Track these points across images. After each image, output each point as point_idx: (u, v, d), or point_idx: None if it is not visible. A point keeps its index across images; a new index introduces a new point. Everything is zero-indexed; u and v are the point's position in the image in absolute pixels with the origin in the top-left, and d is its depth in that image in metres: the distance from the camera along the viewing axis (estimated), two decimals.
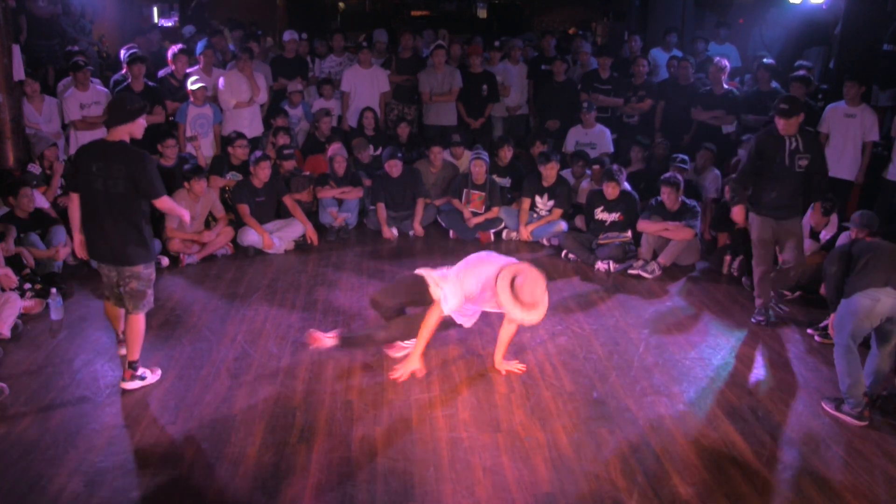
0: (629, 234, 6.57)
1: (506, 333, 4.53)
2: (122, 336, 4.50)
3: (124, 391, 4.20)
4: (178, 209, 4.45)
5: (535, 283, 3.99)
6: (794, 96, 5.19)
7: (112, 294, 4.36)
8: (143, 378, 4.27)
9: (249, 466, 3.56)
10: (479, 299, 4.25)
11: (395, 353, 4.65)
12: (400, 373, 4.33)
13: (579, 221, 7.02)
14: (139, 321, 4.24)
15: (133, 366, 4.25)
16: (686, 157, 7.18)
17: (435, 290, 4.29)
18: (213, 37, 8.82)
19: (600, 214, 6.68)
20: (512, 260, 4.24)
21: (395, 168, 7.15)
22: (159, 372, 4.41)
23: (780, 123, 5.04)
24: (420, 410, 4.08)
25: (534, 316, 4.02)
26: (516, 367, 4.55)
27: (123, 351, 4.45)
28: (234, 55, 8.39)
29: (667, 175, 6.50)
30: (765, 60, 7.89)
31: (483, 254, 4.40)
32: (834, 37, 8.27)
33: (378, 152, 7.97)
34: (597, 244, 6.57)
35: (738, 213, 5.43)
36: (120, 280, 4.23)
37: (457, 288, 4.19)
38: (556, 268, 6.50)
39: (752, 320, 5.38)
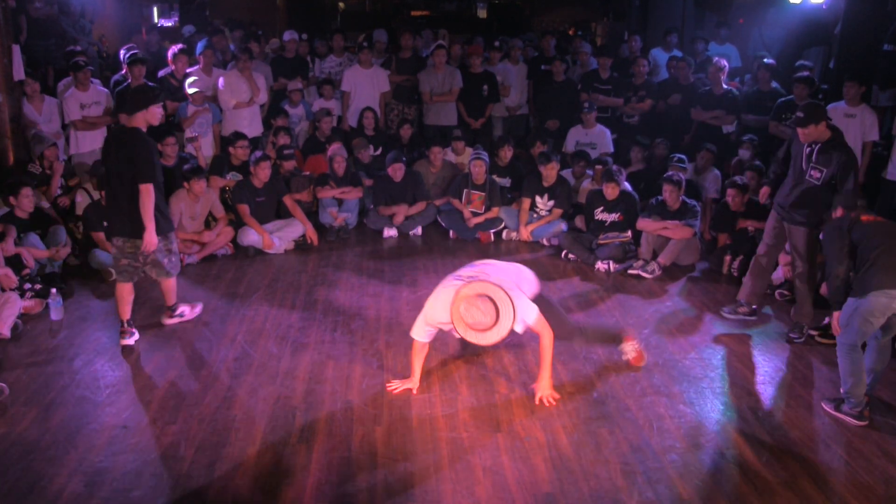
0: (629, 234, 6.57)
1: (543, 348, 4.13)
2: (126, 324, 4.80)
3: (163, 325, 5.06)
4: (150, 206, 4.53)
5: (474, 306, 3.74)
6: (815, 103, 4.93)
7: (127, 271, 4.72)
8: (181, 315, 5.10)
9: (249, 466, 3.56)
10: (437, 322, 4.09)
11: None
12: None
13: (579, 221, 7.02)
14: (169, 282, 4.96)
15: (172, 308, 5.06)
16: (684, 157, 7.18)
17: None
18: (215, 36, 8.82)
19: (600, 215, 6.68)
20: (460, 279, 4.04)
21: (398, 172, 7.14)
22: (200, 305, 5.27)
23: (799, 132, 4.84)
24: (420, 410, 4.08)
25: (486, 339, 3.74)
26: (551, 398, 4.18)
27: (126, 341, 4.79)
28: (234, 55, 8.39)
29: (669, 173, 6.51)
30: (765, 60, 7.89)
31: (448, 277, 4.20)
32: (834, 37, 8.26)
33: (378, 152, 7.97)
34: (597, 244, 6.57)
35: (763, 192, 5.54)
36: (139, 252, 4.66)
37: (423, 317, 4.08)
38: (556, 268, 6.50)
39: (793, 336, 5.16)
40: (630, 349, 4.63)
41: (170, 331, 5.03)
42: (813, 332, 5.18)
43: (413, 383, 4.29)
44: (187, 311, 5.14)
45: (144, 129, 4.58)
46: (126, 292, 4.74)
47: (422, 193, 7.32)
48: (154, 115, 4.58)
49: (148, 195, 4.50)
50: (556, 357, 4.71)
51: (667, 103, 8.24)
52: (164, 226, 4.73)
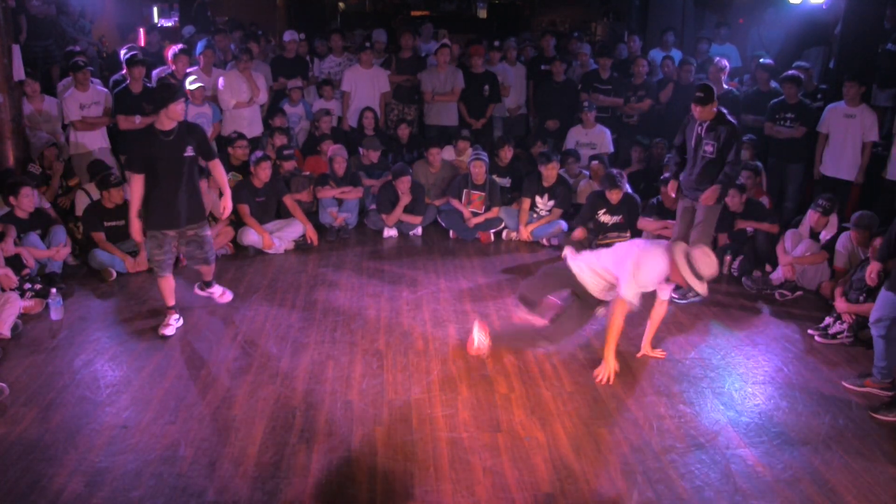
0: (628, 234, 6.57)
1: (657, 316, 4.72)
2: (171, 306, 5.07)
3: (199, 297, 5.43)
4: (133, 197, 4.80)
5: (706, 256, 4.22)
6: (708, 85, 5.49)
7: (167, 262, 4.94)
8: (211, 294, 5.45)
9: (249, 466, 3.56)
10: (651, 284, 4.39)
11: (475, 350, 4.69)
12: (602, 375, 4.44)
13: (579, 234, 6.83)
14: (211, 268, 5.31)
15: (209, 283, 5.44)
16: None
17: (598, 285, 4.42)
18: (217, 35, 8.81)
19: (603, 217, 6.68)
20: (662, 242, 4.56)
21: (404, 184, 7.11)
22: (230, 293, 5.52)
23: (696, 110, 5.42)
24: (420, 410, 4.08)
25: (706, 287, 4.27)
26: (658, 353, 4.79)
27: (166, 331, 4.98)
28: (234, 55, 8.39)
29: (666, 175, 6.50)
30: (762, 60, 7.89)
31: (622, 246, 4.51)
32: (834, 37, 8.26)
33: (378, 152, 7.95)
34: (596, 245, 6.56)
35: (671, 186, 5.87)
36: (201, 236, 5.03)
37: (629, 279, 4.27)
38: None
39: (678, 300, 5.66)
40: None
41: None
42: (813, 332, 5.18)
43: (612, 363, 4.48)
44: (217, 293, 5.46)
45: (167, 128, 4.68)
46: (170, 282, 5.01)
47: (420, 207, 7.29)
48: (176, 112, 4.66)
49: (130, 182, 4.92)
50: (555, 356, 4.73)
51: (659, 101, 8.23)
52: (148, 224, 4.91)
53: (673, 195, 5.90)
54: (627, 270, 4.24)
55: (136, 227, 4.84)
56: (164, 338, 4.88)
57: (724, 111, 5.52)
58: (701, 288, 4.23)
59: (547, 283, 4.72)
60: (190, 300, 5.55)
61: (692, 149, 5.57)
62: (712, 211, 5.57)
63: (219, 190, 6.75)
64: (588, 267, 4.42)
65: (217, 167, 5.07)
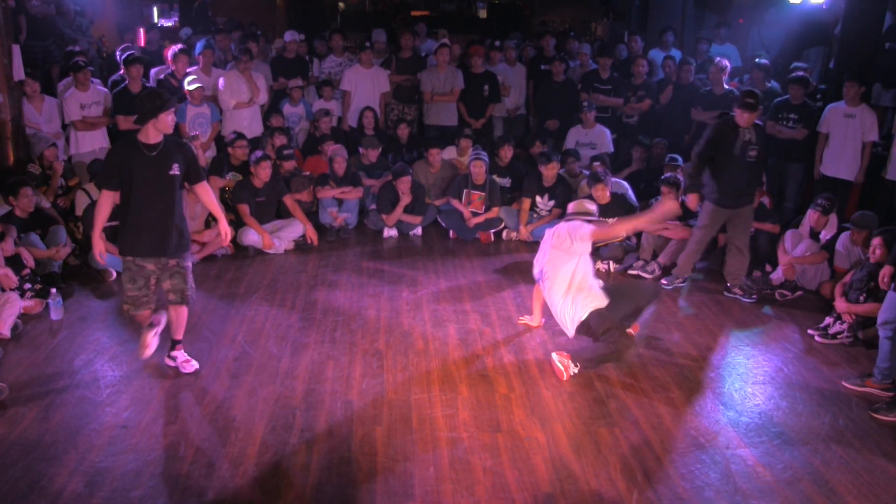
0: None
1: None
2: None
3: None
4: (98, 210, 4.25)
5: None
6: (755, 90, 5.65)
7: (142, 300, 4.34)
8: (175, 359, 4.56)
9: (249, 466, 3.56)
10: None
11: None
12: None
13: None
14: (183, 311, 4.53)
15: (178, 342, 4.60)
16: (677, 157, 7.19)
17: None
18: (218, 35, 8.80)
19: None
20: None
21: (404, 184, 7.11)
22: (194, 363, 4.57)
23: (746, 116, 5.45)
24: (420, 410, 4.08)
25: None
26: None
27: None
28: (235, 56, 8.39)
29: (667, 175, 6.50)
30: (758, 60, 7.90)
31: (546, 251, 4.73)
32: (834, 37, 8.27)
33: (378, 152, 7.95)
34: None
35: (692, 199, 5.86)
36: (181, 268, 4.40)
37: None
38: None
39: (663, 283, 5.91)
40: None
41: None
42: (812, 332, 5.19)
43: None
44: (181, 359, 4.54)
45: (152, 142, 4.14)
46: (147, 315, 4.40)
47: (420, 207, 7.29)
48: (165, 123, 4.13)
49: (207, 192, 4.48)
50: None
51: (659, 101, 8.23)
52: (121, 248, 4.29)
53: (694, 208, 5.92)
54: (579, 233, 4.52)
55: (98, 247, 4.25)
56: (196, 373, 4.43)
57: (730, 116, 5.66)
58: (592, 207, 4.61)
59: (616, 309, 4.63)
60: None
61: (737, 156, 5.53)
62: (752, 217, 5.88)
63: (220, 190, 6.83)
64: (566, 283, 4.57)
65: (206, 192, 4.49)
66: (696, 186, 5.78)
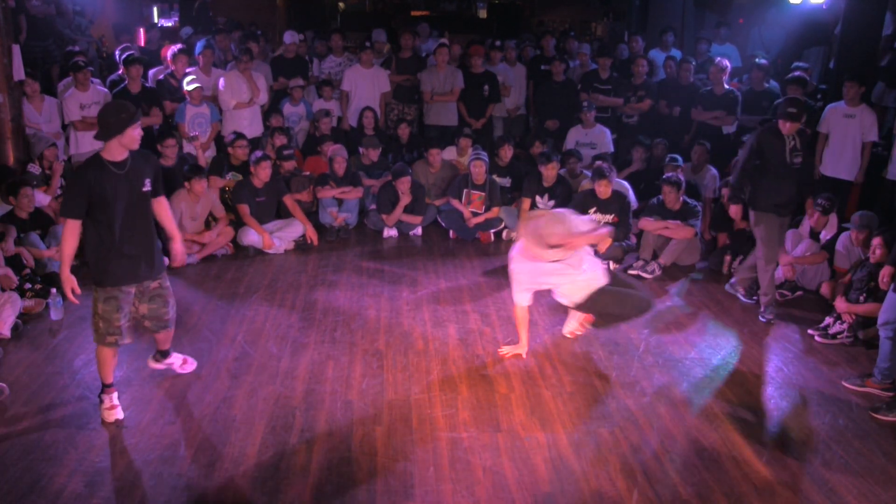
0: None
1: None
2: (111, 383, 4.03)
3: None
4: (65, 249, 3.78)
5: (546, 218, 4.32)
6: (800, 99, 5.43)
7: (124, 330, 3.97)
8: (171, 363, 4.41)
9: (249, 466, 3.56)
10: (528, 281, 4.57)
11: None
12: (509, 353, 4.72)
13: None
14: (97, 349, 3.97)
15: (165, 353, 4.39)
16: (677, 157, 7.19)
17: None
18: (219, 35, 8.80)
19: (594, 215, 6.64)
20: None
21: (404, 185, 7.11)
22: (193, 362, 4.50)
23: (788, 126, 5.20)
24: (420, 410, 4.08)
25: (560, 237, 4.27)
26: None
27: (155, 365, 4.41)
28: (235, 56, 8.39)
29: (668, 175, 6.50)
30: (758, 60, 7.89)
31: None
32: (834, 37, 8.27)
33: (378, 152, 7.95)
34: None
35: (736, 210, 5.60)
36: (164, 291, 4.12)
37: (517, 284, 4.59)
38: None
39: (762, 319, 5.40)
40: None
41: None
42: (812, 332, 5.19)
43: (522, 348, 4.74)
44: (177, 363, 4.41)
45: (119, 159, 3.74)
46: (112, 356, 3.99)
47: (420, 207, 7.29)
48: (131, 139, 3.72)
49: (165, 209, 4.10)
50: (555, 356, 4.72)
51: (660, 105, 8.23)
52: (97, 277, 3.88)
53: (738, 218, 5.75)
54: (514, 282, 4.56)
55: (70, 283, 3.80)
56: (118, 423, 3.92)
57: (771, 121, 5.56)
58: (556, 239, 4.23)
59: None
60: (190, 299, 5.55)
61: (782, 165, 5.33)
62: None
63: (219, 189, 6.84)
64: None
65: (164, 207, 4.12)
66: (739, 198, 5.54)
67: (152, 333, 4.24)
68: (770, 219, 5.38)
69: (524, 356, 4.72)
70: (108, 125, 3.69)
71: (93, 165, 3.74)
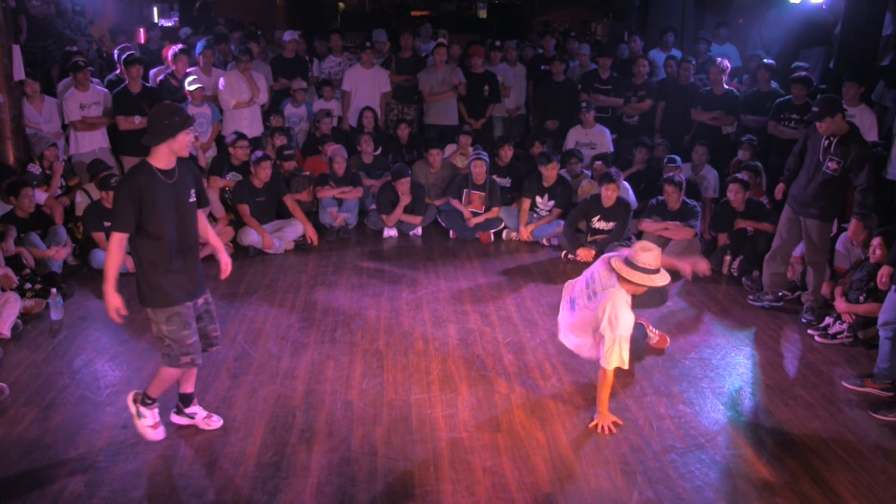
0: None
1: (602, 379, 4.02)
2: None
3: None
4: (110, 264, 3.50)
5: (643, 250, 3.91)
6: (831, 97, 5.15)
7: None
8: (192, 416, 3.91)
9: (249, 466, 3.56)
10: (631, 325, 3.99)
11: None
12: (599, 426, 3.94)
13: (585, 254, 6.75)
14: (162, 371, 3.69)
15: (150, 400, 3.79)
16: (676, 157, 7.19)
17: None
18: (219, 43, 8.80)
19: (597, 223, 6.63)
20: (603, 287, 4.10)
21: (404, 185, 7.11)
22: (218, 419, 3.94)
23: (817, 126, 5.04)
24: (420, 410, 4.08)
25: (666, 277, 3.93)
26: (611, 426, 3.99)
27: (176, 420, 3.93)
28: (235, 56, 8.39)
29: (669, 174, 6.51)
30: (765, 61, 7.89)
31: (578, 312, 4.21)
32: (834, 37, 8.27)
33: (378, 152, 7.96)
34: (587, 243, 6.56)
35: (779, 188, 5.65)
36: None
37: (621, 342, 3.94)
38: (556, 268, 6.50)
39: (803, 320, 5.41)
40: (652, 333, 4.85)
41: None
42: (812, 332, 5.19)
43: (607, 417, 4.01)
44: (201, 417, 3.91)
45: (168, 167, 3.49)
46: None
47: (420, 207, 7.29)
48: (182, 144, 3.48)
49: (109, 242, 3.56)
50: (555, 356, 4.72)
51: (657, 103, 8.24)
52: (156, 299, 3.60)
53: (778, 197, 5.66)
54: (605, 336, 3.87)
55: (116, 302, 3.52)
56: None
57: (856, 127, 5.15)
58: (661, 281, 3.88)
59: None
60: None
61: (814, 162, 5.13)
62: (826, 235, 5.27)
63: (220, 190, 6.83)
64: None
65: (203, 219, 3.92)
66: (786, 179, 5.50)
67: (199, 365, 3.78)
68: (785, 210, 5.44)
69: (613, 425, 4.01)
70: (158, 129, 3.41)
71: (142, 172, 3.43)
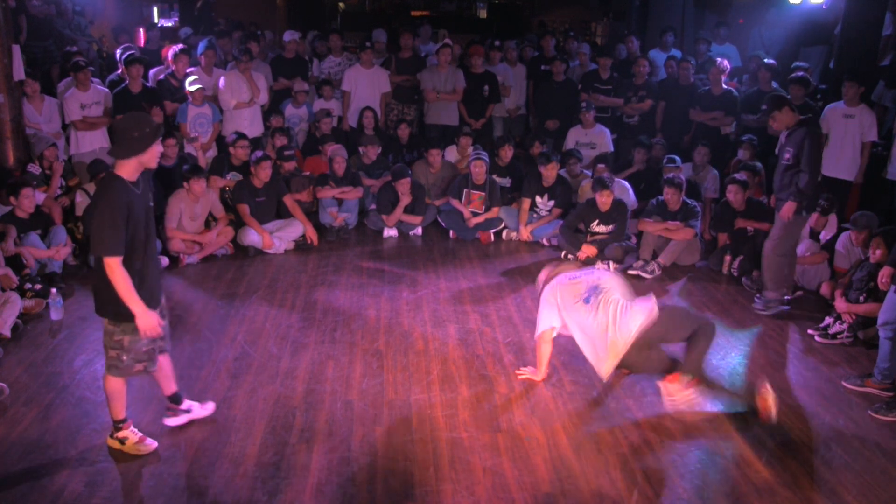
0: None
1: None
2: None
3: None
4: (123, 281, 3.34)
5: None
6: (776, 94, 5.61)
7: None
8: (188, 410, 3.92)
9: (249, 466, 3.56)
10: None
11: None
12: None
13: (586, 253, 6.76)
14: (108, 382, 3.58)
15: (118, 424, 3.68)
16: (675, 157, 7.19)
17: None
18: (221, 39, 8.80)
19: (596, 227, 6.63)
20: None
21: (404, 186, 7.11)
22: (211, 404, 4.02)
23: (771, 122, 5.49)
24: (420, 410, 4.08)
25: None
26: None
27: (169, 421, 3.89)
28: (235, 56, 8.39)
29: (669, 175, 6.51)
30: (766, 61, 7.89)
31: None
32: (834, 37, 8.27)
33: (378, 152, 7.96)
34: (587, 244, 6.57)
35: (773, 198, 5.84)
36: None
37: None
38: None
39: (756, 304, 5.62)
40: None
41: (170, 331, 4.99)
42: (812, 332, 5.19)
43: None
44: (196, 407, 3.97)
45: (135, 178, 3.39)
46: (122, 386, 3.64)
47: (420, 207, 7.29)
48: (153, 156, 3.39)
49: (107, 265, 3.35)
50: (555, 356, 4.72)
51: (657, 103, 8.24)
52: (121, 314, 3.46)
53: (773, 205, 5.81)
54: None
55: (154, 320, 3.45)
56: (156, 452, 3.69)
57: (808, 117, 5.44)
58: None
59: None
60: (190, 298, 5.55)
61: (774, 155, 5.63)
62: (790, 224, 5.38)
63: (220, 190, 6.83)
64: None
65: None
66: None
67: (151, 372, 3.70)
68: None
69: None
70: (128, 142, 3.30)
71: (120, 189, 3.31)
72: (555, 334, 4.30)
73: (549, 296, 4.26)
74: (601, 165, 7.28)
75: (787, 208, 5.28)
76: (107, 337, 3.53)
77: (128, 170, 3.36)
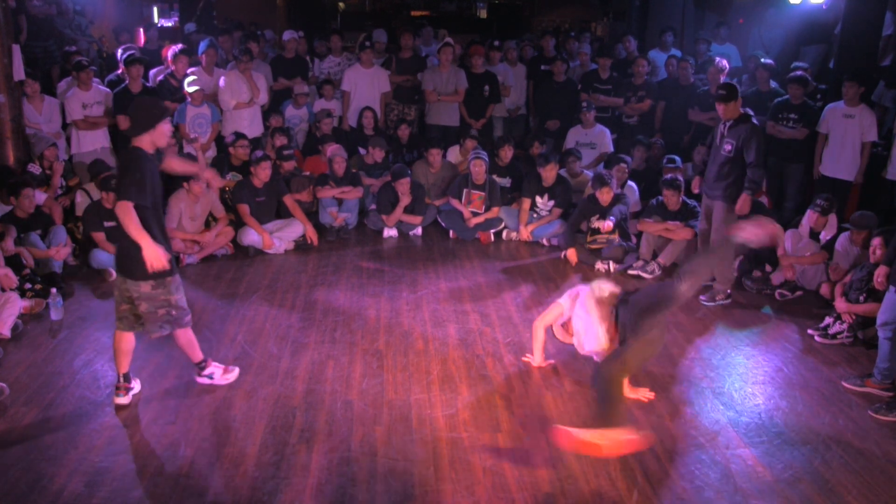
0: (617, 236, 6.53)
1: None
2: (121, 381, 4.09)
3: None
4: (135, 228, 3.72)
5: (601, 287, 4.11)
6: (731, 83, 5.68)
7: (123, 314, 4.03)
8: (210, 377, 4.33)
9: (249, 466, 3.57)
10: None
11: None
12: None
13: (572, 256, 6.66)
14: (181, 337, 4.15)
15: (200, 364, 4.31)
16: (675, 158, 7.19)
17: None
18: (222, 36, 8.79)
19: (596, 222, 6.63)
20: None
21: (403, 186, 7.10)
22: (235, 370, 4.42)
23: (719, 108, 5.54)
24: (420, 410, 4.08)
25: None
26: (644, 394, 4.29)
27: (120, 399, 4.08)
28: (235, 56, 8.39)
29: (668, 177, 6.51)
30: (763, 60, 7.89)
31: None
32: (834, 37, 8.27)
33: None
34: (587, 247, 6.56)
35: (695, 182, 6.06)
36: (130, 295, 3.96)
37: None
38: (556, 268, 6.50)
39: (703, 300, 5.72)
40: None
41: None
42: (812, 332, 5.19)
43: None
44: (217, 374, 4.34)
45: (145, 150, 3.83)
46: (126, 342, 4.08)
47: (420, 207, 7.29)
48: (162, 134, 3.84)
49: (120, 209, 3.77)
50: (555, 357, 4.72)
51: (657, 103, 8.24)
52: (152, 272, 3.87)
53: (696, 191, 6.03)
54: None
55: (159, 250, 3.80)
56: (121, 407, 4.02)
57: (750, 112, 5.61)
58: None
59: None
60: (190, 299, 5.53)
61: (714, 147, 5.67)
62: (731, 214, 5.52)
63: (220, 190, 6.83)
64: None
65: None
66: (700, 171, 5.98)
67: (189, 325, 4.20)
68: (703, 199, 5.90)
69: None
70: (140, 121, 3.80)
71: (144, 157, 3.78)
72: (560, 321, 4.43)
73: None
74: (622, 165, 7.13)
75: (744, 201, 5.44)
76: (149, 302, 3.93)
77: (142, 146, 3.83)
